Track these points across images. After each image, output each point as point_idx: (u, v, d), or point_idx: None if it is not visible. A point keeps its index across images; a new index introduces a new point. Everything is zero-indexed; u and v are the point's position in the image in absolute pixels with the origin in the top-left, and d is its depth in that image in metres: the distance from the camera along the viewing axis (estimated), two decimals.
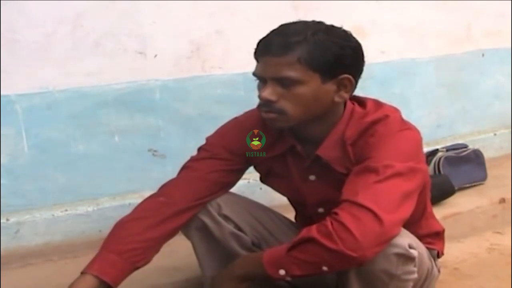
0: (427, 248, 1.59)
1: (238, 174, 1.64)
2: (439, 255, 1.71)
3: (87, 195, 2.22)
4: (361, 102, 1.52)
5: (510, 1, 3.06)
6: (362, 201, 1.29)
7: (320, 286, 1.60)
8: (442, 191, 2.43)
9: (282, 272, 1.34)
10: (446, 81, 2.99)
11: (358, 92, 1.52)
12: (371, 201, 1.29)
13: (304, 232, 1.33)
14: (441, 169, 2.61)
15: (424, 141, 1.51)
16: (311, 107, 1.42)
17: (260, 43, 1.42)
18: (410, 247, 1.37)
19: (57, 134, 2.15)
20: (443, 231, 1.73)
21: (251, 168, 1.67)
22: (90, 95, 2.18)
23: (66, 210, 2.17)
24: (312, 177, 1.55)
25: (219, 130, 1.65)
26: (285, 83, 1.39)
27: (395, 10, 2.76)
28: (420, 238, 1.54)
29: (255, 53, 1.44)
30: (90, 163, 2.21)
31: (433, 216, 1.71)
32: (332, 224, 1.28)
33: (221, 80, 2.39)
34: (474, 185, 2.68)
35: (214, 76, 2.38)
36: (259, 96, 1.42)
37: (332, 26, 1.44)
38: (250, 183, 2.21)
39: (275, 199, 1.88)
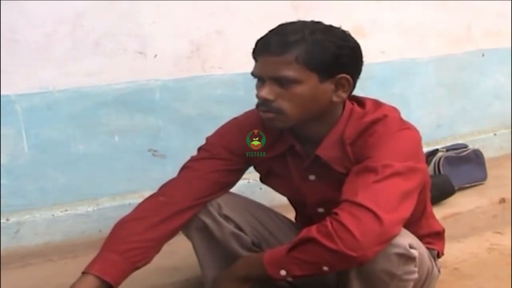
0: (427, 248, 1.59)
1: (238, 174, 1.64)
2: (439, 255, 1.71)
3: (87, 195, 2.22)
4: (360, 102, 1.52)
5: (510, 1, 3.06)
6: (361, 201, 1.29)
7: (320, 286, 1.60)
8: (442, 191, 2.43)
9: (283, 272, 1.34)
10: (446, 81, 2.99)
11: (358, 92, 1.52)
12: (370, 201, 1.29)
13: (304, 232, 1.33)
14: (441, 169, 2.61)
15: (424, 141, 1.52)
16: (309, 107, 1.42)
17: (259, 42, 1.43)
18: (411, 247, 1.37)
19: (57, 134, 2.15)
20: (443, 231, 1.73)
21: (251, 168, 1.67)
22: (90, 95, 2.18)
23: (66, 210, 2.18)
24: (312, 177, 1.55)
25: (219, 130, 1.65)
26: (283, 82, 1.39)
27: (395, 10, 2.76)
28: (420, 238, 1.54)
29: (253, 52, 1.44)
30: (90, 163, 2.21)
31: (433, 216, 1.71)
32: (332, 224, 1.29)
33: (221, 80, 2.39)
34: (474, 185, 2.68)
35: (214, 76, 2.38)
36: (257, 96, 1.43)
37: (331, 26, 1.44)
38: (250, 183, 2.21)
39: (275, 199, 1.88)
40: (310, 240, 1.30)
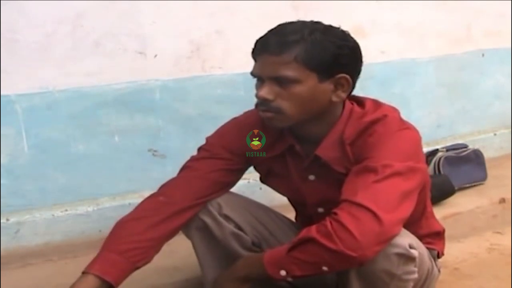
0: (427, 248, 1.59)
1: (238, 174, 1.64)
2: (439, 255, 1.71)
3: (87, 195, 2.22)
4: (360, 102, 1.52)
5: (510, 1, 3.06)
6: (361, 201, 1.29)
7: (320, 286, 1.60)
8: (442, 191, 2.43)
9: (283, 272, 1.34)
10: (446, 81, 2.99)
11: (358, 92, 1.52)
12: (370, 201, 1.29)
13: (303, 233, 1.33)
14: (441, 169, 2.61)
15: (424, 141, 1.52)
16: (308, 106, 1.42)
17: (258, 42, 1.43)
18: (411, 247, 1.37)
19: (57, 134, 2.15)
20: (444, 231, 1.73)
21: (251, 168, 1.67)
22: (90, 95, 2.18)
23: (66, 210, 2.17)
24: (311, 177, 1.55)
25: (219, 130, 1.65)
26: (282, 82, 1.39)
27: (395, 10, 2.76)
28: (420, 238, 1.54)
29: (252, 52, 1.44)
30: (90, 163, 2.21)
31: (433, 216, 1.71)
32: (331, 224, 1.29)
33: (221, 80, 2.39)
34: (474, 185, 2.68)
35: (214, 76, 2.38)
36: (256, 95, 1.43)
37: (330, 26, 1.44)
38: (250, 183, 2.21)
39: (275, 199, 1.88)
40: (310, 240, 1.30)
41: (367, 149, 1.41)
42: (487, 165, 2.75)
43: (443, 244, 1.73)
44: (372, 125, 1.44)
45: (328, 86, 1.42)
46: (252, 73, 1.45)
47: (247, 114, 1.64)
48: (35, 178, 2.14)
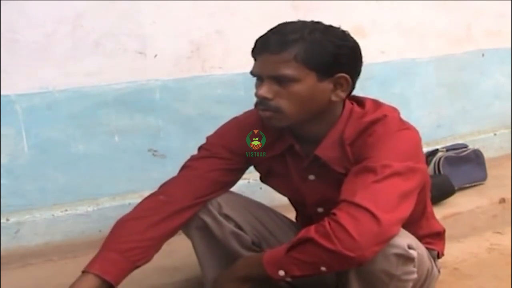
0: (427, 248, 1.59)
1: (238, 173, 1.64)
2: (439, 255, 1.71)
3: (87, 195, 2.22)
4: (360, 102, 1.52)
5: (510, 1, 3.06)
6: (359, 201, 1.29)
7: (320, 286, 1.60)
8: (442, 191, 2.43)
9: (281, 272, 1.34)
10: (446, 81, 2.99)
11: (358, 92, 1.52)
12: (369, 201, 1.29)
13: (302, 233, 1.33)
14: (441, 169, 2.61)
15: (424, 141, 1.52)
16: (307, 106, 1.43)
17: (258, 41, 1.43)
18: (410, 247, 1.37)
19: (57, 134, 2.15)
20: (444, 231, 1.73)
21: (251, 168, 1.67)
22: (90, 95, 2.18)
23: (66, 210, 2.17)
24: (311, 177, 1.55)
25: (219, 130, 1.65)
26: (281, 81, 1.39)
27: (395, 10, 2.76)
28: (421, 238, 1.54)
29: (252, 51, 1.45)
30: (90, 163, 2.21)
31: (433, 216, 1.71)
32: (330, 224, 1.29)
33: (221, 80, 2.39)
34: (474, 185, 2.68)
35: (214, 76, 2.38)
36: (256, 94, 1.43)
37: (330, 26, 1.45)
38: (250, 183, 2.20)
39: (275, 199, 1.88)
40: (308, 241, 1.30)
41: (367, 149, 1.41)
42: (487, 165, 2.75)
43: (443, 244, 1.73)
44: (372, 125, 1.44)
45: (327, 85, 1.42)
46: (251, 72, 1.45)
47: (247, 114, 1.64)
48: (35, 178, 2.14)
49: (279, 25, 1.44)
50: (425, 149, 2.45)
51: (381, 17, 2.72)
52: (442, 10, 2.89)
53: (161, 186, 1.59)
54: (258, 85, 1.44)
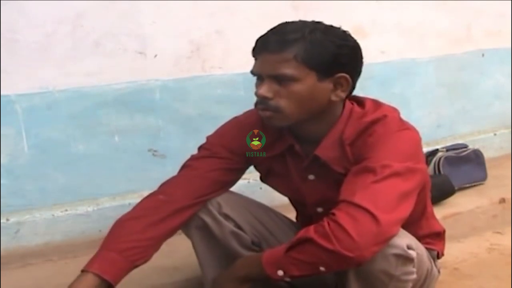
0: (427, 248, 1.59)
1: (238, 173, 1.64)
2: (439, 255, 1.71)
3: (87, 195, 2.22)
4: (360, 102, 1.52)
5: (510, 1, 3.06)
6: (359, 201, 1.29)
7: (320, 286, 1.60)
8: (442, 191, 2.43)
9: (280, 272, 1.34)
10: (446, 81, 2.99)
11: (358, 92, 1.52)
12: (368, 201, 1.29)
13: (301, 233, 1.33)
14: (441, 169, 2.61)
15: (424, 141, 1.51)
16: (307, 105, 1.42)
17: (258, 40, 1.43)
18: (409, 247, 1.37)
19: (57, 134, 2.15)
20: (444, 231, 1.73)
21: (251, 168, 1.67)
22: (90, 95, 2.18)
23: (66, 210, 2.17)
24: (311, 177, 1.55)
25: (219, 130, 1.65)
26: (281, 80, 1.40)
27: (395, 10, 2.76)
28: (421, 238, 1.54)
29: (253, 50, 1.45)
30: (90, 163, 2.21)
31: (433, 217, 1.71)
32: (329, 224, 1.29)
33: (221, 80, 2.39)
34: (474, 185, 2.68)
35: (214, 76, 2.38)
36: (256, 93, 1.43)
37: (331, 26, 1.45)
38: (250, 183, 2.21)
39: (275, 199, 1.88)
40: (308, 240, 1.30)
41: (367, 149, 1.41)
42: (487, 165, 2.75)
43: (443, 244, 1.73)
44: (372, 125, 1.44)
45: (327, 85, 1.42)
46: (252, 72, 1.45)
47: (247, 113, 1.64)
48: (35, 178, 2.14)
49: (279, 24, 1.44)
50: (425, 149, 2.45)
51: (381, 17, 2.72)
52: (442, 10, 2.89)
53: (161, 186, 1.59)
54: (258, 85, 1.44)
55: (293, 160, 1.56)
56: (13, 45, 2.04)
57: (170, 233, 1.53)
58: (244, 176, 1.68)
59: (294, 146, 1.53)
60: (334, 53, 1.40)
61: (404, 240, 1.36)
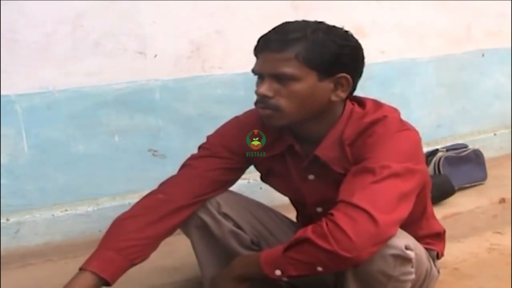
0: (426, 249, 1.59)
1: (237, 173, 1.64)
2: (438, 256, 1.70)
3: (87, 195, 2.22)
4: (360, 102, 1.53)
5: (510, 1, 3.06)
6: (357, 201, 1.29)
7: (319, 286, 1.60)
8: (442, 191, 2.43)
9: (278, 272, 1.34)
10: (446, 81, 2.99)
11: (358, 92, 1.52)
12: (366, 202, 1.29)
13: (300, 233, 1.33)
14: (441, 169, 2.61)
15: (424, 141, 1.51)
16: (307, 105, 1.43)
17: (260, 39, 1.43)
18: (407, 248, 1.37)
19: (57, 134, 2.15)
20: (444, 232, 1.73)
21: (251, 168, 1.67)
22: (90, 95, 2.18)
23: (66, 210, 2.17)
24: (311, 177, 1.55)
25: (220, 129, 1.65)
26: (281, 79, 1.40)
27: (395, 10, 2.76)
28: (421, 238, 1.54)
29: (254, 49, 1.45)
30: (90, 163, 2.21)
31: (433, 217, 1.71)
32: (327, 224, 1.29)
33: (221, 80, 2.39)
34: (474, 185, 2.67)
35: (214, 76, 2.38)
36: (256, 92, 1.43)
37: (333, 26, 1.45)
38: (250, 183, 2.21)
39: (275, 199, 1.88)
40: (306, 241, 1.30)
41: (366, 149, 1.41)
42: (487, 165, 2.74)
43: (443, 245, 1.73)
44: (372, 126, 1.44)
45: (327, 85, 1.42)
46: (253, 70, 1.45)
47: (247, 113, 1.64)
48: (35, 178, 2.14)
49: (282, 24, 1.44)
50: (425, 149, 2.45)
51: (381, 17, 2.72)
52: (442, 10, 2.89)
53: (160, 185, 1.59)
54: (258, 83, 1.44)
55: (293, 160, 1.56)
56: (13, 45, 2.04)
57: (169, 232, 1.53)
58: (244, 176, 1.68)
59: (294, 146, 1.53)
60: (335, 53, 1.40)
61: (402, 240, 1.36)
